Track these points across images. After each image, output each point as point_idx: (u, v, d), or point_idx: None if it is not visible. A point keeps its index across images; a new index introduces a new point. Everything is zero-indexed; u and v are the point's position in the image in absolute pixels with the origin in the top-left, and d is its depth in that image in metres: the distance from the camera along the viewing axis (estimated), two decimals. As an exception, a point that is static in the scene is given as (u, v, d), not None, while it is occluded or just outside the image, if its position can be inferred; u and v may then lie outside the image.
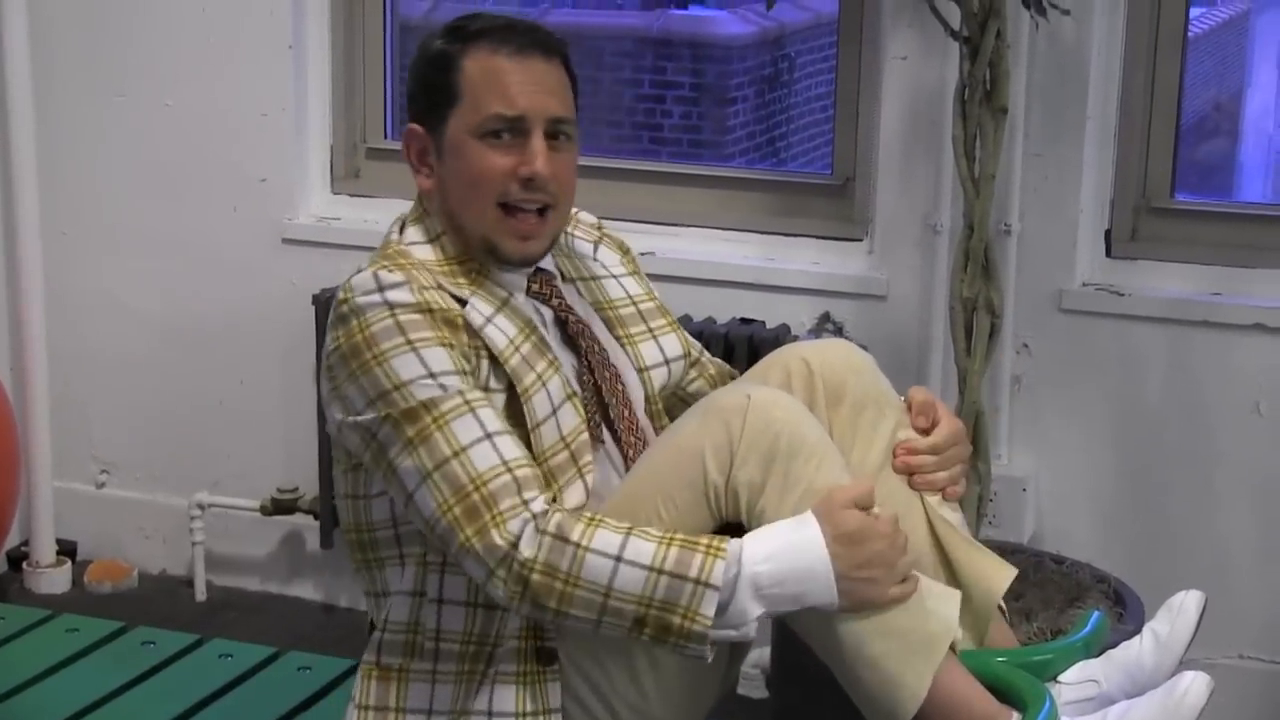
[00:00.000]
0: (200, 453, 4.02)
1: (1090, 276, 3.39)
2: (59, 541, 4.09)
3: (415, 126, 2.23)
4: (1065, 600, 2.96)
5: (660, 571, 1.97)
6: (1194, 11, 3.40)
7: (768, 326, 3.51)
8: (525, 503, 2.01)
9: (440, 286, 2.13)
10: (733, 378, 2.46)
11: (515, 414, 2.11)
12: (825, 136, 3.77)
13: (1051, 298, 3.37)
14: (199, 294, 3.96)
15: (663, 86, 5.01)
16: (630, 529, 2.00)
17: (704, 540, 1.99)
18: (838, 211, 3.59)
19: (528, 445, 2.09)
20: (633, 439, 2.25)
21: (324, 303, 3.67)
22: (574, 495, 2.13)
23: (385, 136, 3.94)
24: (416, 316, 2.07)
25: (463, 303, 2.13)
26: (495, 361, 2.12)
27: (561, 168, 2.20)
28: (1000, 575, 2.21)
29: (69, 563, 4.09)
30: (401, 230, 2.25)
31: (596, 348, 2.27)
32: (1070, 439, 3.42)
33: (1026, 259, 3.36)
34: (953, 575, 2.17)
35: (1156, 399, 3.36)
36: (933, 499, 2.23)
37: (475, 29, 2.20)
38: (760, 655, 3.41)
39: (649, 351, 2.37)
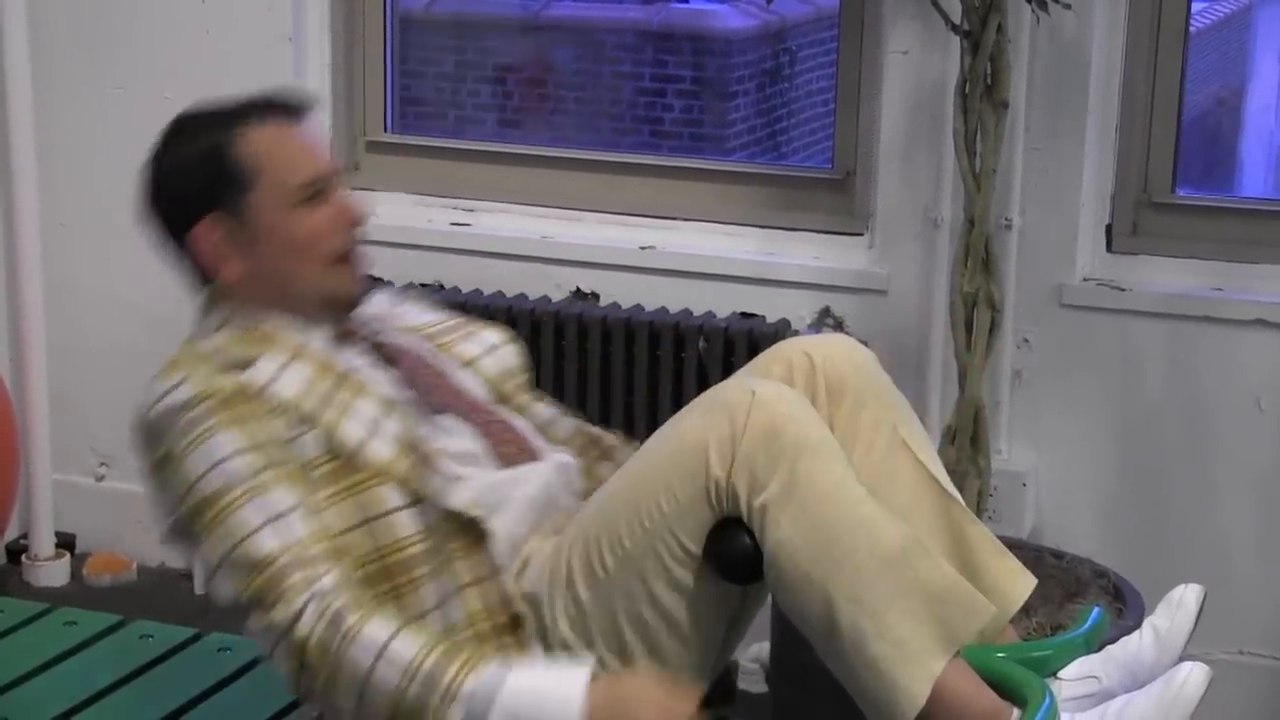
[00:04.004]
0: (199, 446, 4.02)
1: (1091, 271, 3.39)
2: (58, 534, 4.09)
3: (206, 222, 2.24)
4: (1065, 595, 2.96)
5: (415, 674, 1.98)
6: (1196, 6, 3.40)
7: (768, 321, 3.51)
8: (312, 579, 2.03)
9: (222, 366, 2.17)
10: (587, 433, 2.53)
11: (338, 446, 2.15)
12: (826, 131, 3.76)
13: (1052, 292, 3.37)
14: (198, 287, 3.95)
15: (663, 80, 5.00)
16: (400, 627, 2.02)
17: (464, 653, 2.01)
18: (838, 206, 3.59)
19: (358, 472, 2.13)
20: (475, 417, 2.30)
21: (323, 296, 3.66)
22: (434, 484, 2.15)
23: (385, 130, 3.93)
24: (197, 410, 2.12)
25: (248, 367, 2.17)
26: (294, 408, 2.15)
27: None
28: (1021, 584, 2.22)
29: (68, 556, 4.09)
30: (192, 336, 2.31)
31: (411, 356, 2.33)
32: (1071, 434, 3.41)
33: (1027, 254, 3.36)
34: (972, 577, 2.14)
35: (1157, 394, 3.35)
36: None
37: (232, 113, 2.28)
38: (760, 650, 3.41)
39: (468, 348, 2.44)
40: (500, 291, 3.67)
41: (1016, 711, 2.03)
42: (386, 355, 2.31)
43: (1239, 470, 3.33)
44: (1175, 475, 3.37)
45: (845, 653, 2.03)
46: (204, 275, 2.29)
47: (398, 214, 3.84)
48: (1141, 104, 3.35)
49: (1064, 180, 3.33)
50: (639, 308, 3.58)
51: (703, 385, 3.25)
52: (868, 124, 3.50)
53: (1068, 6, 3.09)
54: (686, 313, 3.54)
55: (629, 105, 4.95)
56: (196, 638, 2.91)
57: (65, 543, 4.11)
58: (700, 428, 2.09)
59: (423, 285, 3.72)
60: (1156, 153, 3.37)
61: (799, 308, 3.53)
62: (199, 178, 2.25)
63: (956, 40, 3.04)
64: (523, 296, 3.65)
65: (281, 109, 2.29)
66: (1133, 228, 3.40)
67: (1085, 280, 3.38)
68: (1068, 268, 3.37)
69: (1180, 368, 3.33)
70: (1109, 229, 3.40)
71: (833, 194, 3.60)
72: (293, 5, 3.78)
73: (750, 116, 5.05)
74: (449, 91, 4.70)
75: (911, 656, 2.01)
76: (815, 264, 3.55)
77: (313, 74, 3.85)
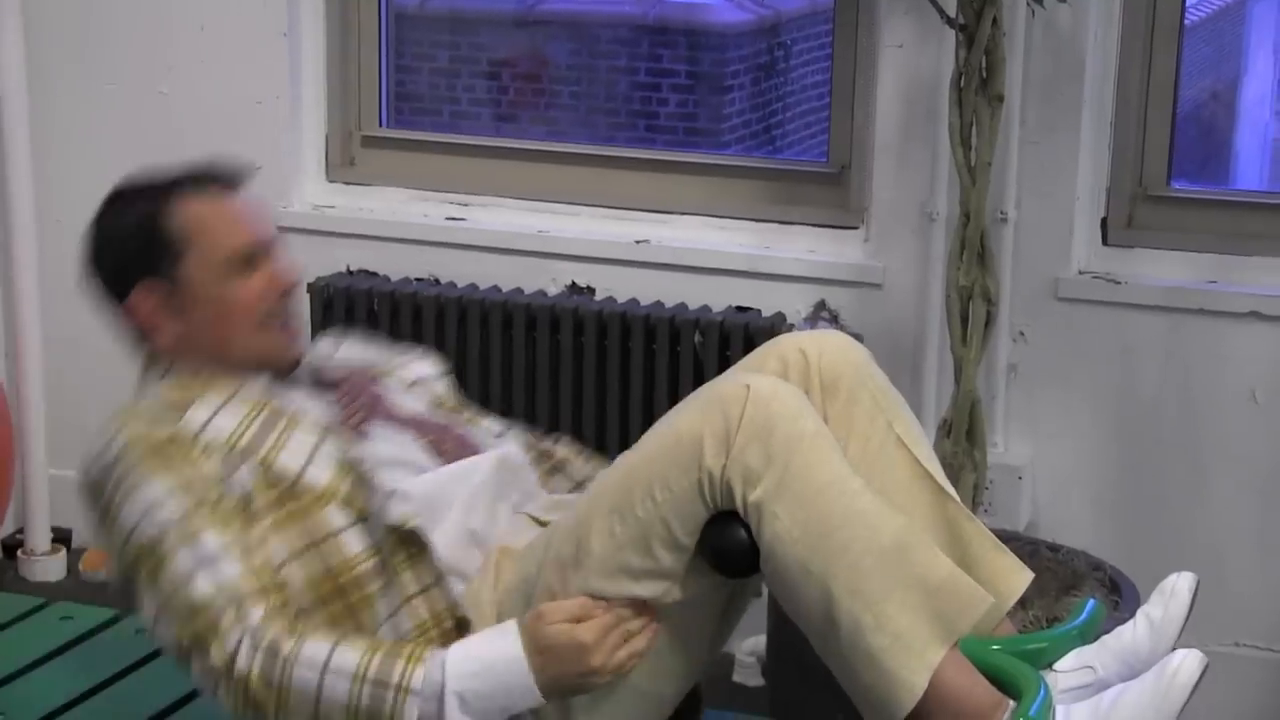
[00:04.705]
0: (195, 441, 4.01)
1: (1086, 264, 3.39)
2: (54, 529, 4.09)
3: (144, 287, 2.31)
4: (1061, 588, 2.96)
5: (364, 681, 2.04)
6: (1190, -1, 3.40)
7: (763, 315, 3.51)
8: (242, 616, 2.07)
9: (155, 417, 2.22)
10: (540, 446, 2.58)
11: (276, 477, 2.20)
12: (821, 124, 3.76)
13: (1048, 286, 3.37)
14: (194, 282, 3.95)
15: (658, 74, 4.99)
16: (338, 641, 2.07)
17: (406, 649, 2.07)
18: (833, 199, 3.59)
19: (302, 498, 2.18)
20: (407, 421, 2.35)
21: (319, 291, 3.67)
22: (374, 501, 2.19)
23: (380, 124, 3.93)
24: (126, 462, 2.18)
25: (185, 410, 2.22)
26: (229, 444, 2.20)
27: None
28: (1017, 579, 2.22)
29: (64, 550, 4.09)
30: (132, 399, 2.35)
31: (349, 378, 2.40)
32: (1066, 427, 3.42)
33: (1023, 247, 3.36)
34: (968, 572, 2.14)
35: (1152, 387, 3.36)
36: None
37: (166, 184, 2.36)
38: (756, 643, 3.41)
39: (412, 371, 2.54)
40: (496, 286, 3.67)
41: (1012, 704, 2.03)
42: (323, 384, 2.38)
43: (1234, 462, 3.33)
44: (1171, 468, 3.37)
45: (842, 645, 2.03)
46: (142, 337, 2.37)
47: (393, 209, 3.85)
48: (1136, 97, 3.35)
49: (1059, 174, 3.33)
50: (634, 302, 3.58)
51: (698, 380, 3.26)
52: (863, 118, 3.51)
53: (1063, 0, 3.09)
54: (682, 307, 3.54)
55: (624, 99, 4.95)
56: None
57: (61, 537, 4.11)
58: (695, 422, 2.09)
59: (418, 279, 3.73)
60: (1151, 146, 3.37)
61: (794, 302, 3.53)
62: (133, 246, 2.34)
63: (951, 34, 3.04)
64: (518, 291, 3.65)
65: (216, 179, 2.38)
66: (1128, 221, 3.40)
67: (1081, 273, 3.38)
68: (1063, 261, 3.37)
69: (1175, 360, 3.34)
70: (1104, 222, 3.40)
71: (828, 188, 3.60)
72: (287, 0, 3.78)
73: (745, 111, 5.05)
74: (444, 86, 4.69)
75: (909, 649, 2.01)
76: (810, 258, 3.55)
77: (307, 69, 3.85)
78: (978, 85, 2.99)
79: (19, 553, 4.06)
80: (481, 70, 4.78)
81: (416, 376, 2.54)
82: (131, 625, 2.92)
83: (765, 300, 3.53)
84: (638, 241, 3.66)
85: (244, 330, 2.31)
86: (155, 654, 2.81)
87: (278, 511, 2.18)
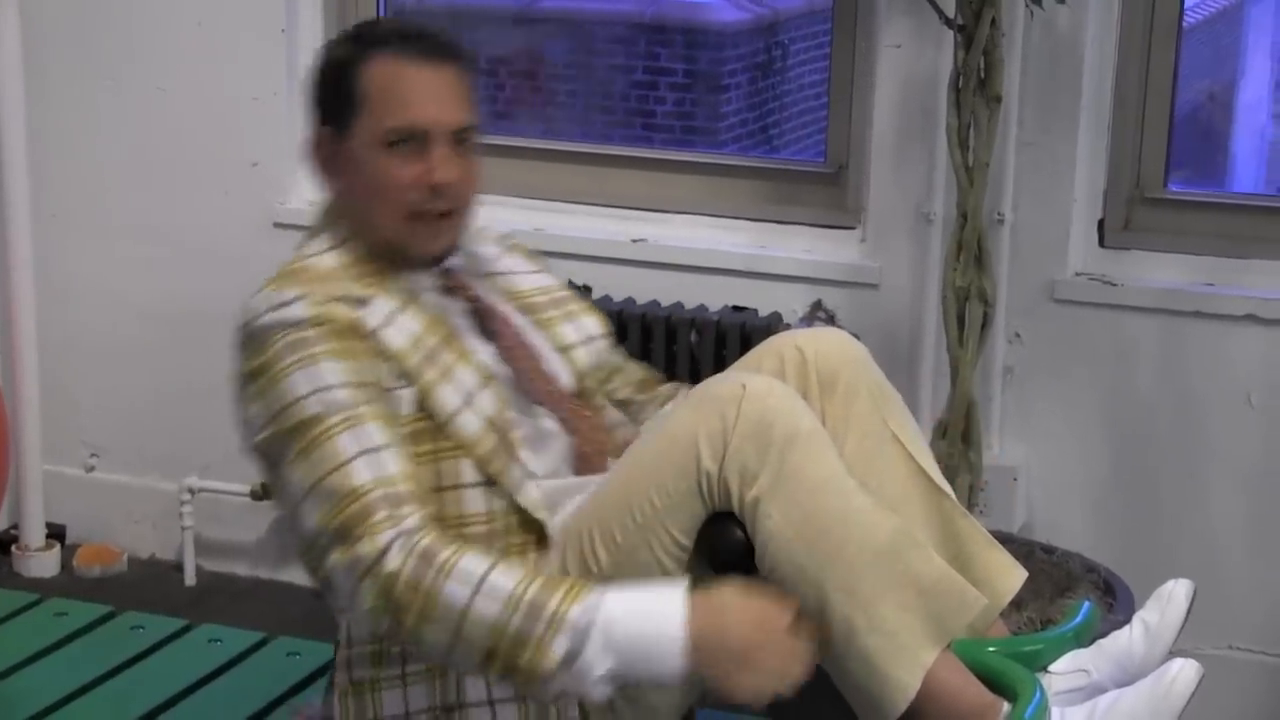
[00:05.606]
0: (190, 437, 4.01)
1: (1083, 266, 3.39)
2: (48, 525, 4.08)
3: (320, 131, 2.25)
4: (1055, 590, 2.96)
5: (517, 605, 1.95)
6: (1188, 1, 3.40)
7: (760, 314, 3.51)
8: (398, 518, 2.00)
9: (340, 296, 2.14)
10: (658, 382, 2.49)
11: (432, 408, 2.12)
12: (819, 124, 3.76)
13: (1044, 287, 3.37)
14: (190, 278, 3.94)
15: (656, 73, 5.00)
16: (495, 563, 1.99)
17: (566, 583, 1.98)
18: (831, 199, 3.59)
19: (444, 439, 2.11)
20: (564, 412, 2.27)
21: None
22: (514, 473, 2.15)
23: (377, 121, 3.92)
24: (309, 332, 2.09)
25: (364, 305, 2.14)
26: (399, 360, 2.13)
27: (465, 173, 2.23)
28: (1011, 577, 2.22)
29: (58, 546, 4.08)
30: (309, 241, 2.27)
31: (510, 332, 2.30)
32: (1062, 429, 3.42)
33: (1019, 248, 3.36)
34: (963, 570, 2.15)
35: (1148, 389, 3.36)
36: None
37: (377, 35, 2.24)
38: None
39: (567, 332, 2.39)
40: (492, 284, 3.66)
41: (1006, 705, 2.03)
42: (487, 322, 2.29)
43: (1229, 465, 3.33)
44: (1166, 470, 3.37)
45: (836, 644, 2.03)
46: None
47: (390, 206, 3.84)
48: (1134, 99, 3.35)
49: (1056, 175, 3.33)
50: (631, 301, 3.58)
51: (695, 379, 3.23)
52: (860, 118, 3.50)
53: (1061, 1, 3.09)
54: (678, 306, 3.54)
55: (621, 98, 4.95)
56: (187, 629, 2.92)
57: (56, 534, 4.11)
58: (691, 421, 2.09)
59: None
60: (1149, 148, 3.37)
61: (791, 301, 3.53)
62: (321, 88, 2.26)
63: (950, 34, 3.04)
64: (515, 289, 3.64)
65: (427, 48, 2.23)
66: (1125, 223, 3.40)
67: (1077, 275, 3.38)
68: (1060, 263, 3.37)
69: (1171, 363, 3.34)
70: (1101, 224, 3.40)
71: (825, 188, 3.60)
72: (286, -3, 3.78)
73: (743, 110, 5.05)
74: (441, 83, 4.68)
75: (902, 648, 2.01)
76: (807, 258, 3.55)
77: (305, 65, 3.83)
78: (976, 86, 2.99)
79: (13, 549, 4.05)
80: (479, 68, 4.78)
81: (579, 335, 2.40)
82: (125, 622, 2.92)
83: (762, 300, 3.53)
84: (634, 240, 3.66)
85: (385, 212, 2.20)
86: (149, 650, 2.81)
87: (418, 446, 2.11)
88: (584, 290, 3.64)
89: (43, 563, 4.05)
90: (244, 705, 2.66)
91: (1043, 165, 3.33)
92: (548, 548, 2.16)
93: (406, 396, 2.12)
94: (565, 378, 2.34)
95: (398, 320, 2.16)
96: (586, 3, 4.98)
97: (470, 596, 1.95)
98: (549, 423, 2.26)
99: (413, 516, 2.01)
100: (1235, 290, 3.29)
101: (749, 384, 2.08)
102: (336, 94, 2.22)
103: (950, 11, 3.02)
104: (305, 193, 3.88)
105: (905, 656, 2.01)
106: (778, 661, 1.96)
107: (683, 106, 5.05)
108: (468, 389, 2.16)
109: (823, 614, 2.02)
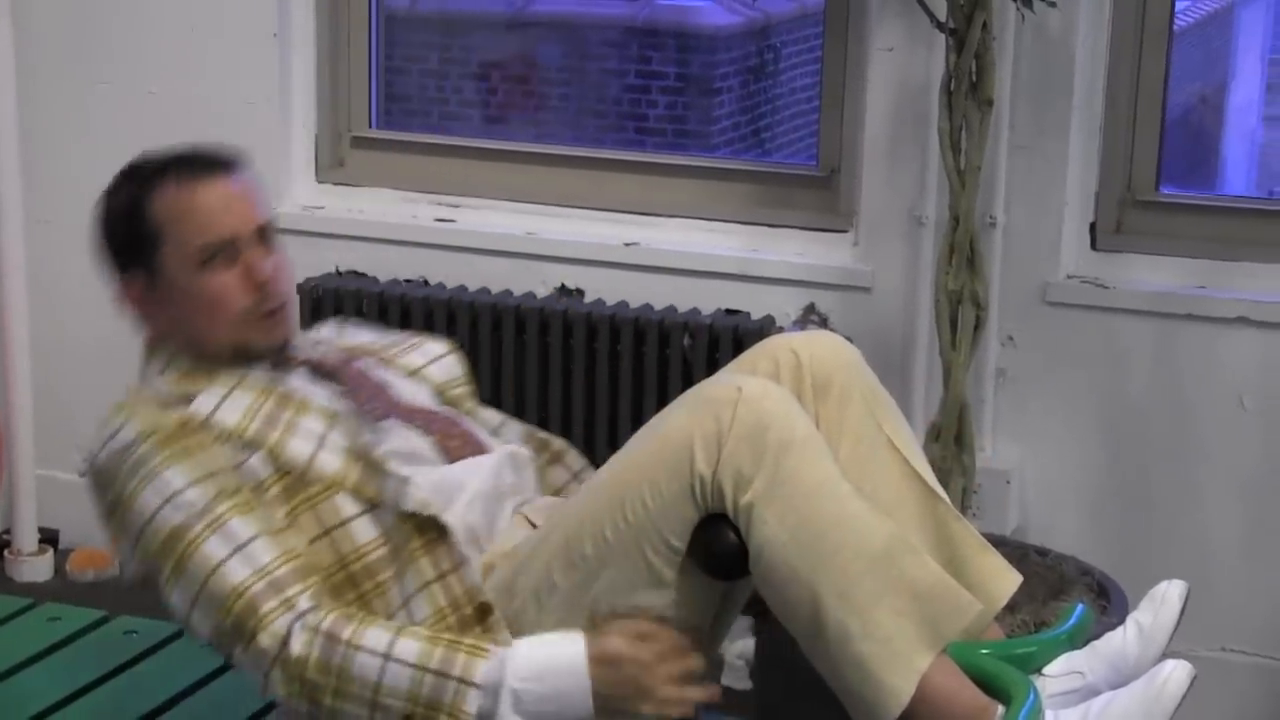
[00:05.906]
0: (183, 442, 4.01)
1: (1075, 269, 3.39)
2: (41, 530, 4.08)
3: (126, 277, 2.30)
4: (1049, 593, 2.96)
5: (426, 670, 2.01)
6: (1179, 4, 3.41)
7: (752, 318, 3.51)
8: (290, 602, 2.05)
9: (163, 402, 2.19)
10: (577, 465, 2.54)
11: (287, 463, 2.17)
12: (811, 128, 3.76)
13: (1036, 290, 3.38)
14: (182, 282, 3.94)
15: (648, 76, 4.99)
16: (400, 628, 2.05)
17: (468, 641, 2.04)
18: (823, 203, 3.59)
19: (311, 486, 2.15)
20: (415, 418, 2.33)
21: (308, 292, 3.66)
22: (389, 488, 2.17)
23: (370, 125, 3.93)
24: (143, 448, 2.14)
25: (190, 401, 2.19)
26: (237, 434, 2.17)
27: (279, 267, 2.29)
28: (1006, 581, 2.22)
29: (51, 551, 4.08)
30: (139, 380, 2.32)
31: (352, 371, 2.36)
32: (1055, 432, 3.42)
33: (1012, 251, 3.36)
34: (957, 574, 2.15)
35: (1141, 392, 3.36)
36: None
37: (151, 169, 2.29)
38: (745, 646, 3.41)
39: (414, 358, 2.49)
40: (485, 288, 3.66)
41: (1001, 708, 2.03)
42: (326, 372, 2.34)
43: (1222, 468, 3.34)
44: (1159, 473, 3.37)
45: (830, 649, 2.03)
46: (138, 324, 2.34)
47: (382, 210, 3.84)
48: (1125, 102, 3.36)
49: (1048, 178, 3.34)
50: (624, 304, 3.58)
51: (687, 382, 3.25)
52: (852, 121, 3.51)
53: (1052, 4, 3.10)
54: (671, 309, 3.54)
55: (613, 102, 4.95)
56: (180, 634, 2.90)
57: (48, 538, 4.11)
58: (686, 424, 2.09)
59: (407, 281, 3.72)
60: (1140, 151, 3.38)
61: (784, 305, 3.53)
62: (118, 233, 2.32)
63: (942, 38, 3.05)
64: (507, 293, 3.65)
65: (203, 166, 2.29)
66: (1117, 226, 3.40)
67: (1069, 278, 3.38)
68: (1052, 266, 3.37)
69: (1164, 366, 3.34)
70: (1093, 227, 3.40)
71: (817, 191, 3.60)
72: (278, 1, 3.78)
73: (735, 113, 5.04)
74: (434, 88, 4.69)
75: (897, 654, 2.01)
76: (800, 261, 3.55)
77: (298, 70, 3.84)
78: (967, 89, 2.99)
79: (6, 553, 4.05)
80: (471, 72, 4.78)
81: (425, 358, 2.50)
82: (119, 627, 2.92)
83: (754, 303, 3.54)
84: (627, 244, 3.66)
85: (221, 324, 2.24)
86: (143, 655, 2.80)
87: (289, 502, 2.15)
88: (577, 294, 3.65)
89: (36, 567, 4.05)
90: (237, 710, 2.65)
91: (1034, 168, 3.33)
92: (450, 535, 2.18)
93: (257, 462, 2.16)
94: (424, 397, 2.41)
95: (228, 401, 2.20)
96: (578, 7, 4.98)
97: (381, 667, 2.02)
98: (406, 432, 2.30)
99: (303, 596, 2.06)
100: (1227, 293, 3.30)
101: (745, 387, 2.08)
102: (131, 236, 2.27)
103: (942, 15, 3.02)
104: (298, 197, 3.89)
105: (900, 662, 2.01)
106: (674, 691, 2.05)
107: (675, 110, 5.05)
108: (317, 434, 2.20)
109: (817, 619, 2.02)
